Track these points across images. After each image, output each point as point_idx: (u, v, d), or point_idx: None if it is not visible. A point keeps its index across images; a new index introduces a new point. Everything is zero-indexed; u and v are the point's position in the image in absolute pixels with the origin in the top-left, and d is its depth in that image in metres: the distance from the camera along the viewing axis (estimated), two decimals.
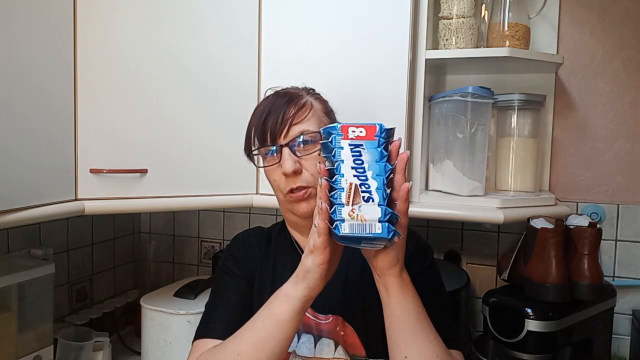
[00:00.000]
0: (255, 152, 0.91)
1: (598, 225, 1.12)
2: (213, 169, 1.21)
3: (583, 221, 1.15)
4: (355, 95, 1.14)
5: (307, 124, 0.87)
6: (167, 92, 1.16)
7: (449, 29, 1.21)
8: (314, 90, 0.97)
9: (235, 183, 1.23)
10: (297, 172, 0.85)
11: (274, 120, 0.86)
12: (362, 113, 1.14)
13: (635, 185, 1.37)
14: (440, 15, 1.23)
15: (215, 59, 1.20)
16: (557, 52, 1.38)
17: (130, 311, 1.63)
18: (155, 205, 1.17)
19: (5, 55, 0.91)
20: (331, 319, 0.89)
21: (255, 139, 0.89)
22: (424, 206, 1.18)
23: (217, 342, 0.84)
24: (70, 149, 1.07)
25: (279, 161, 0.87)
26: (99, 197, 1.10)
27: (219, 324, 0.88)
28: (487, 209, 1.14)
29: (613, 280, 1.36)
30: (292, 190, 0.86)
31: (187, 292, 1.38)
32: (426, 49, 1.16)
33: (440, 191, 1.25)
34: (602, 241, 1.14)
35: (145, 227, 1.85)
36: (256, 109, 0.92)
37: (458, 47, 1.20)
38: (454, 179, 1.22)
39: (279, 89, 0.95)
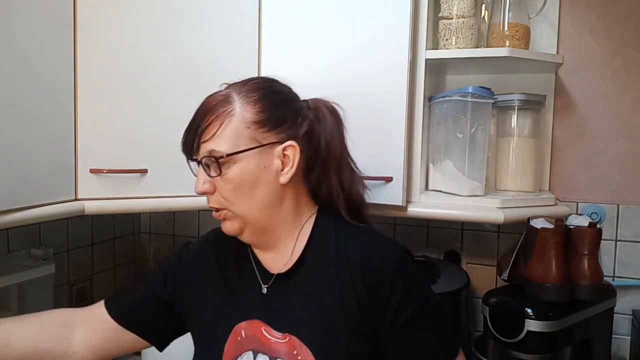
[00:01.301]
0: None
1: (598, 225, 1.12)
2: None
3: (583, 221, 1.15)
4: (355, 95, 1.14)
5: (214, 143, 0.77)
6: (167, 91, 1.16)
7: (449, 29, 1.21)
8: (267, 85, 0.83)
9: None
10: (207, 193, 0.80)
11: (188, 133, 0.80)
12: (362, 113, 1.14)
13: (635, 185, 1.37)
14: (440, 15, 1.23)
15: (216, 59, 1.19)
16: (557, 52, 1.37)
17: None
18: (155, 205, 1.17)
19: (6, 56, 0.91)
20: (288, 338, 0.79)
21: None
22: (424, 206, 1.18)
23: (104, 312, 0.89)
24: (70, 149, 1.07)
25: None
26: (99, 197, 1.10)
27: (119, 301, 0.92)
28: (487, 209, 1.15)
29: (613, 280, 1.36)
30: (212, 208, 0.82)
31: None
32: (426, 49, 1.16)
33: (440, 191, 1.25)
34: (602, 241, 1.14)
35: (145, 227, 1.85)
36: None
37: (458, 47, 1.20)
38: (454, 179, 1.22)
39: (237, 81, 0.84)
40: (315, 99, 0.88)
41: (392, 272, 0.78)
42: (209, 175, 0.78)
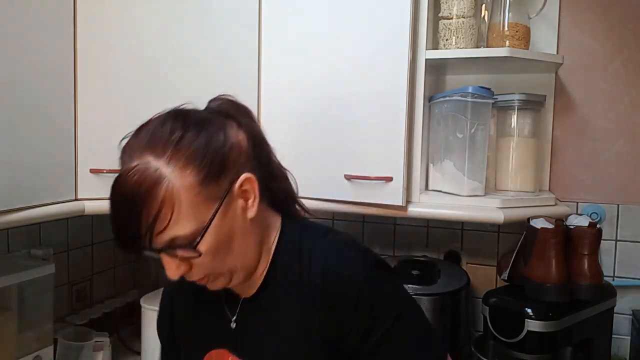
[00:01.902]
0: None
1: (598, 225, 1.12)
2: None
3: (583, 221, 1.15)
4: (354, 95, 1.14)
5: (173, 230, 0.65)
6: (167, 91, 1.16)
7: (449, 29, 1.21)
8: (170, 143, 0.67)
9: None
10: (185, 274, 0.71)
11: (127, 231, 0.65)
12: (361, 112, 1.14)
13: (635, 185, 1.36)
14: (440, 15, 1.23)
15: (216, 58, 1.20)
16: (557, 52, 1.37)
17: (130, 311, 1.63)
18: None
19: (5, 56, 0.91)
20: None
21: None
22: (424, 206, 1.18)
23: None
24: (70, 149, 1.07)
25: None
26: (99, 197, 1.10)
27: None
28: (487, 209, 1.14)
29: (613, 280, 1.36)
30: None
31: None
32: (426, 49, 1.16)
33: (440, 191, 1.25)
34: (602, 241, 1.14)
35: None
36: (110, 206, 0.67)
37: (458, 47, 1.20)
38: (454, 179, 1.22)
39: (130, 145, 0.71)
40: (218, 108, 0.77)
41: (357, 293, 0.72)
42: (179, 259, 0.68)
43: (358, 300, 0.72)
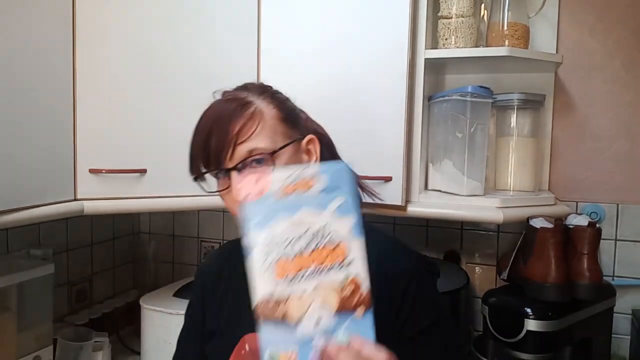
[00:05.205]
0: (206, 173, 0.78)
1: (597, 225, 1.12)
2: None
3: (582, 221, 1.15)
4: (354, 94, 1.14)
5: (255, 141, 0.74)
6: (167, 91, 1.16)
7: (448, 28, 1.21)
8: (270, 88, 0.83)
9: None
10: None
11: (216, 140, 0.74)
12: (361, 112, 1.14)
13: (635, 185, 1.36)
14: (439, 14, 1.23)
15: (215, 59, 1.19)
16: (557, 52, 1.37)
17: (130, 311, 1.63)
18: (155, 205, 1.17)
19: (5, 56, 0.91)
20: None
21: (200, 162, 0.77)
22: (423, 206, 1.18)
23: None
24: (69, 149, 1.07)
25: (230, 186, 0.76)
26: (98, 197, 1.10)
27: None
28: (487, 209, 1.14)
29: (613, 280, 1.36)
30: None
31: (187, 292, 1.38)
32: (425, 49, 1.16)
33: (439, 191, 1.25)
34: (601, 241, 1.14)
35: (144, 227, 1.85)
36: (199, 122, 0.77)
37: (457, 47, 1.20)
38: (453, 179, 1.22)
39: (228, 89, 0.82)
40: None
41: (408, 279, 0.75)
42: None
43: (406, 289, 0.74)
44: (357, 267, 0.58)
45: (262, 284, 0.58)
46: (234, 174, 0.74)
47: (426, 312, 0.76)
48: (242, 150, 0.73)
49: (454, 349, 0.79)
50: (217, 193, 0.79)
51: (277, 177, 0.58)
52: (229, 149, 0.73)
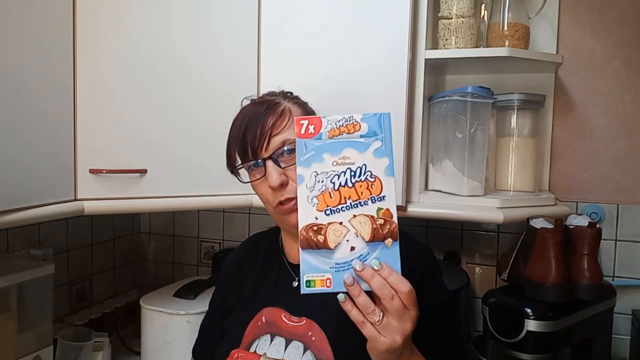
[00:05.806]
0: (240, 167, 0.89)
1: (598, 225, 1.12)
2: (213, 169, 1.20)
3: (583, 221, 1.15)
4: (354, 94, 1.14)
5: (287, 133, 0.84)
6: (167, 91, 1.16)
7: (448, 28, 1.21)
8: (291, 93, 0.95)
9: (234, 183, 1.23)
10: (283, 185, 0.84)
11: (252, 133, 0.84)
12: (361, 112, 1.14)
13: (635, 185, 1.36)
14: (439, 15, 1.23)
15: (215, 60, 1.20)
16: (557, 52, 1.37)
17: (130, 311, 1.63)
18: (155, 205, 1.17)
19: (5, 56, 0.91)
20: (304, 321, 0.87)
21: (237, 154, 0.88)
22: (423, 206, 1.18)
23: None
24: (69, 149, 1.07)
25: (264, 175, 0.85)
26: (98, 197, 1.10)
27: (200, 350, 1.07)
28: (487, 209, 1.14)
29: (613, 280, 1.36)
30: (280, 203, 0.85)
31: (187, 293, 1.38)
32: (425, 49, 1.16)
33: (439, 191, 1.25)
34: (601, 241, 1.14)
35: (145, 227, 1.85)
36: (234, 122, 0.90)
37: (457, 47, 1.20)
38: (453, 179, 1.22)
39: (254, 97, 0.94)
40: None
41: (414, 263, 0.83)
42: (282, 167, 0.84)
43: (412, 271, 0.76)
44: (389, 202, 0.69)
45: (304, 214, 0.67)
46: (269, 162, 0.84)
47: (431, 292, 0.83)
48: (276, 141, 0.84)
49: (455, 331, 0.89)
50: (251, 182, 0.89)
51: (326, 121, 0.69)
52: (264, 141, 0.84)
